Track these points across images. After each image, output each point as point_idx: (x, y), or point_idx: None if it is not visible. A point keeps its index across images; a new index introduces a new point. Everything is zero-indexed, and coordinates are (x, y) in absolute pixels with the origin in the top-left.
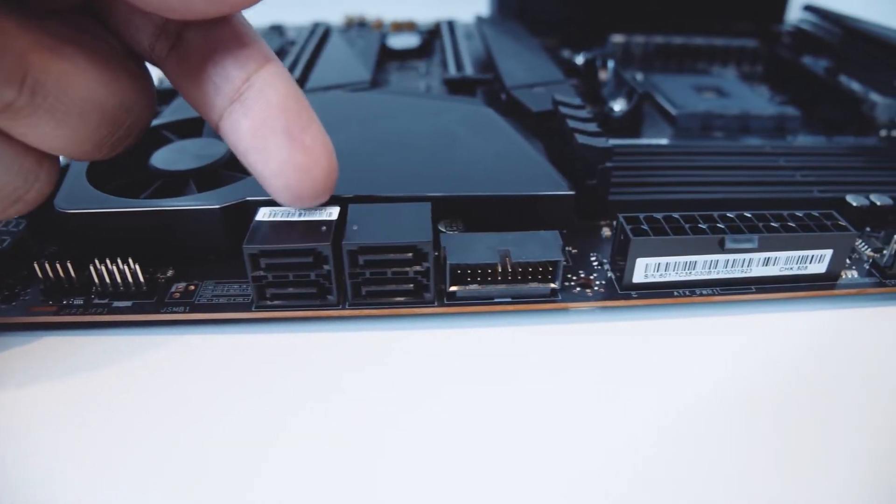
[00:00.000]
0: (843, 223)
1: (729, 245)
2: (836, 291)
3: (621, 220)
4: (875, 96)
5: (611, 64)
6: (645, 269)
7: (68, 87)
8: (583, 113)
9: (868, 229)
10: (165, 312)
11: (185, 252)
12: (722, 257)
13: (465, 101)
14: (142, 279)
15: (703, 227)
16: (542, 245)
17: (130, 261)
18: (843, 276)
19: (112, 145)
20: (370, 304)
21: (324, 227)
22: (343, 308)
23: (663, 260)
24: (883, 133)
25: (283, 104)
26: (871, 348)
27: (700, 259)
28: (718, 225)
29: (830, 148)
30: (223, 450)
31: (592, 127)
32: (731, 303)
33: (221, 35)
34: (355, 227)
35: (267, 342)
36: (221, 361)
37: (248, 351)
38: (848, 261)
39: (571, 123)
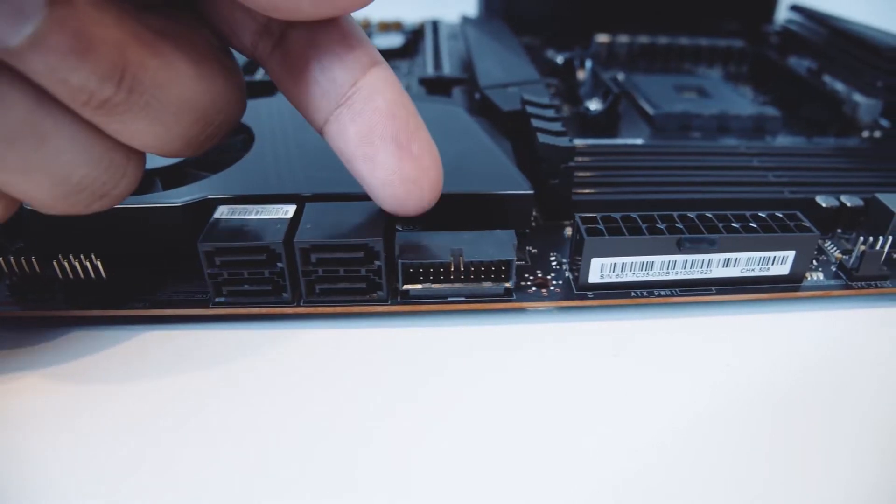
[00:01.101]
0: (806, 224)
1: (686, 245)
2: (799, 294)
3: (577, 219)
4: (858, 97)
5: (588, 64)
6: (601, 270)
7: (165, 85)
8: (549, 112)
9: (840, 231)
10: (126, 308)
11: (147, 249)
12: (680, 258)
13: (438, 101)
14: (104, 275)
15: (661, 227)
16: (497, 244)
17: (93, 257)
18: (809, 278)
19: (201, 143)
20: (324, 302)
21: (278, 226)
22: (298, 305)
23: (619, 260)
24: (865, 134)
25: (391, 111)
26: (836, 351)
27: (657, 259)
28: (677, 225)
29: (808, 148)
30: (180, 444)
31: (557, 126)
32: (691, 304)
33: (328, 35)
34: (308, 226)
35: (224, 339)
36: (180, 357)
37: (205, 347)
38: (815, 262)
39: (535, 122)
